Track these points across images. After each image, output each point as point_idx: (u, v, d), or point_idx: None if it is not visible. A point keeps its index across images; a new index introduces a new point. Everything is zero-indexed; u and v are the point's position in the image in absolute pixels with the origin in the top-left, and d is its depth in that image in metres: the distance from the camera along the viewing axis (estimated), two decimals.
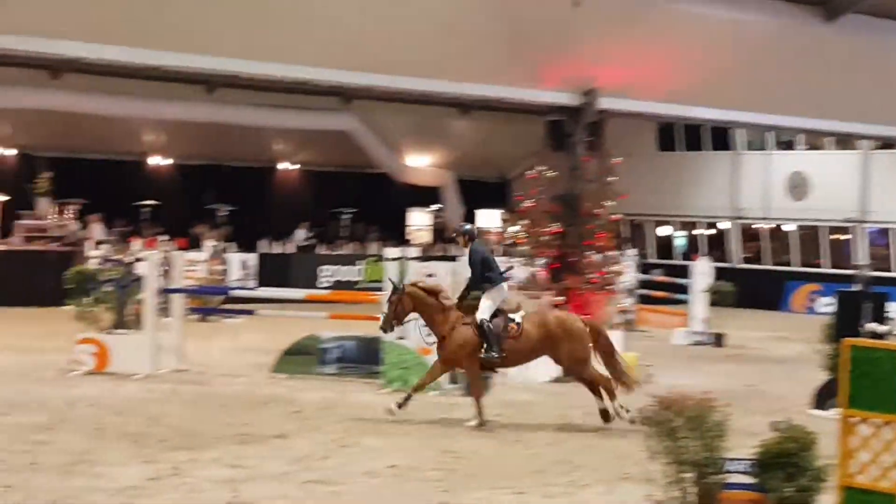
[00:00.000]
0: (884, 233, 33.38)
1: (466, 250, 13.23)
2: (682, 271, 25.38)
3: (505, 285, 13.15)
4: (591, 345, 12.91)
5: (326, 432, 11.93)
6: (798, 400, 14.28)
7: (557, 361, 13.27)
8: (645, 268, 28.47)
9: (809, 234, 34.87)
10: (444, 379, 14.25)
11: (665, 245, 37.42)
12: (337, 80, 25.89)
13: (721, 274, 25.95)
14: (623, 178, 19.37)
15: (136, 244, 23.61)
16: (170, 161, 34.90)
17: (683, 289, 24.24)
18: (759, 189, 35.36)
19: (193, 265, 24.76)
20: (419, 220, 38.75)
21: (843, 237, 34.18)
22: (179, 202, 33.18)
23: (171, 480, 9.52)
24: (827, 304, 27.22)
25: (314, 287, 29.57)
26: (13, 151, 32.47)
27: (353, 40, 20.87)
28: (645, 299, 26.16)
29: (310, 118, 32.44)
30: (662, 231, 37.77)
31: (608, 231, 18.82)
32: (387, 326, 13.10)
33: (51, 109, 28.43)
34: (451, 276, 14.84)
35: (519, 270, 17.55)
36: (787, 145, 35.26)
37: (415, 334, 14.54)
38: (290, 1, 18.84)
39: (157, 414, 12.75)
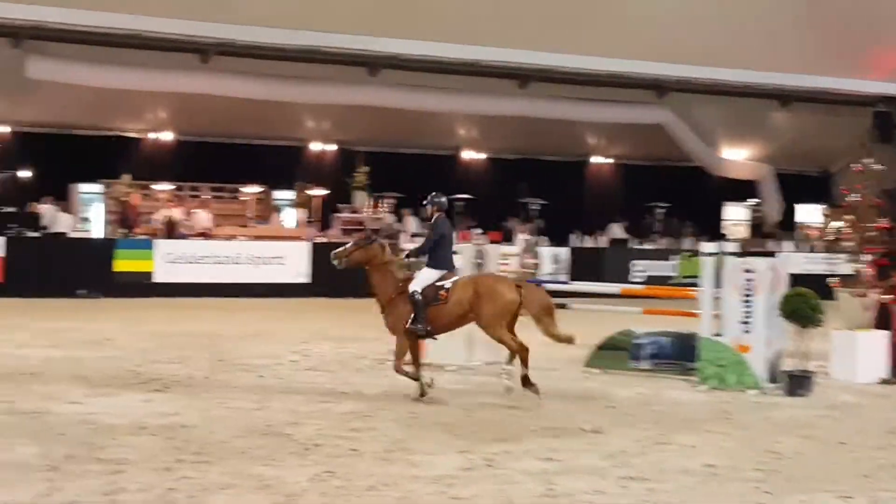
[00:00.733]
0: None
1: (432, 220, 13.67)
2: None
3: (446, 273, 13.34)
4: (511, 306, 13.10)
5: (641, 428, 11.63)
6: None
7: (477, 321, 13.31)
8: None
9: None
10: (762, 377, 13.81)
11: None
12: (654, 72, 25.55)
13: None
14: None
15: None
16: (483, 155, 35.34)
17: None
18: None
19: (506, 259, 24.88)
20: (735, 215, 37.72)
21: None
22: (492, 196, 33.50)
23: (485, 471, 9.47)
24: None
25: (626, 282, 29.22)
26: (333, 146, 33.66)
27: (669, 33, 20.47)
28: None
29: (624, 111, 32.07)
30: None
31: None
32: (338, 258, 13.89)
33: (368, 105, 29.23)
34: (770, 273, 14.29)
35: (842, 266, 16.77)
36: None
37: (731, 332, 14.12)
38: None
39: (470, 405, 12.77)
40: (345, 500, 8.42)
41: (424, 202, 13.99)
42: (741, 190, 36.58)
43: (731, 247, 15.16)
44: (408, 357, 13.31)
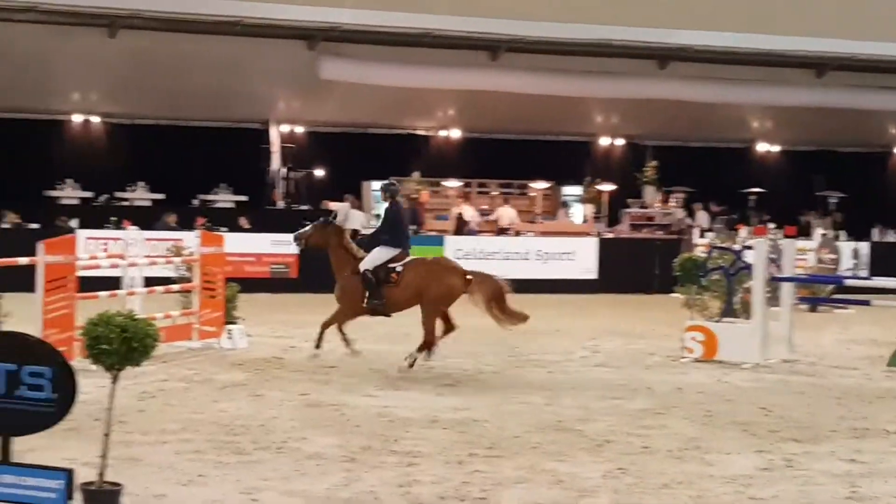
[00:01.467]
0: None
1: (386, 204, 14.71)
2: None
3: (401, 251, 14.26)
4: (454, 293, 14.05)
5: None
6: None
7: (420, 303, 14.09)
8: None
9: None
10: None
11: None
12: None
13: None
14: None
15: (744, 232, 23.33)
16: (777, 147, 34.28)
17: None
18: None
19: (803, 254, 24.07)
20: None
21: None
22: (787, 189, 32.46)
23: (784, 472, 9.10)
24: None
25: None
26: (621, 141, 33.35)
27: None
28: None
29: None
30: None
31: None
32: (299, 240, 15.18)
33: (657, 98, 28.79)
34: None
35: None
36: None
37: None
38: None
39: (766, 404, 12.33)
40: (638, 497, 8.25)
41: (380, 188, 15.16)
42: None
43: None
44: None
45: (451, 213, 29.16)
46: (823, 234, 26.43)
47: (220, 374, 13.53)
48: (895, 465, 9.37)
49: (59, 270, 13.32)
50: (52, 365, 6.90)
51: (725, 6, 24.79)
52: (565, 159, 31.94)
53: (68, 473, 6.90)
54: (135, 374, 8.13)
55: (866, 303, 18.10)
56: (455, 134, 32.12)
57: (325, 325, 14.60)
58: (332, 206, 28.23)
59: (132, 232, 17.31)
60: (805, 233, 26.94)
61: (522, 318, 14.32)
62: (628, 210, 30.68)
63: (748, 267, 15.92)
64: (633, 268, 27.06)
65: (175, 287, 15.95)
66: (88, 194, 28.72)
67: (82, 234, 22.27)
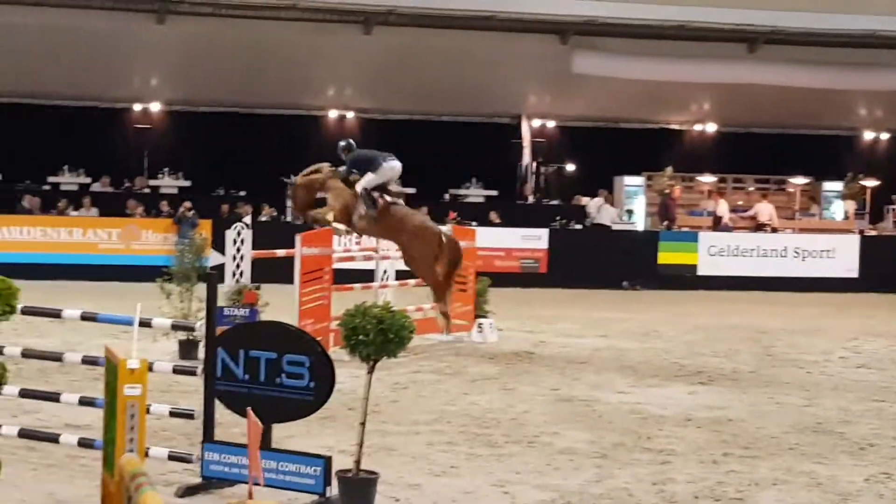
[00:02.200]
0: None
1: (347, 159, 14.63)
2: None
3: (392, 164, 14.56)
4: (424, 251, 13.98)
5: None
6: None
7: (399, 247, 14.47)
8: None
9: None
10: None
11: None
12: None
13: None
14: None
15: None
16: None
17: None
18: None
19: None
20: None
21: None
22: None
23: None
24: None
25: None
26: (886, 135, 32.04)
27: None
28: None
29: None
30: None
31: None
32: (297, 214, 15.49)
33: None
34: None
35: None
36: None
37: None
38: None
39: None
40: None
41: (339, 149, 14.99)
42: None
43: None
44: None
45: (707, 208, 28.59)
46: None
47: (471, 366, 13.58)
48: None
49: (316, 262, 13.65)
50: (311, 354, 7.02)
51: None
52: (825, 154, 30.88)
53: (326, 461, 7.00)
54: (388, 366, 8.22)
55: None
56: (710, 128, 31.47)
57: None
58: (584, 200, 28.18)
59: None
60: None
61: (449, 300, 14.26)
62: (894, 206, 29.45)
63: None
64: None
65: None
66: None
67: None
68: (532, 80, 28.56)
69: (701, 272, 26.19)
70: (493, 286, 16.52)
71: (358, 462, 7.15)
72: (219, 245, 14.66)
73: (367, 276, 15.83)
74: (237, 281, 13.41)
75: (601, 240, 26.65)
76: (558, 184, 30.39)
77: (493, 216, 26.89)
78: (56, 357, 8.62)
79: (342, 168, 14.67)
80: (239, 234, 13.61)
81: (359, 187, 14.33)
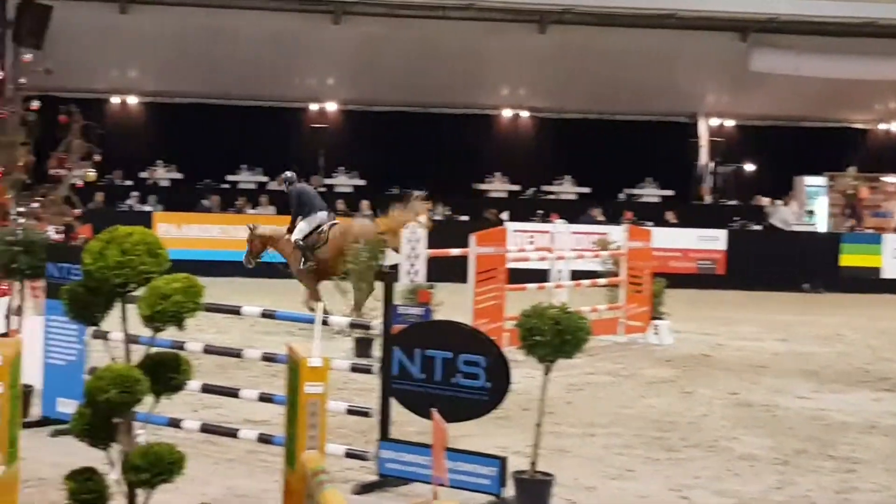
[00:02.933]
0: None
1: (288, 193, 16.52)
2: None
3: (321, 214, 16.14)
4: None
5: None
6: None
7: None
8: None
9: None
10: None
11: None
12: None
13: None
14: None
15: None
16: None
17: None
18: None
19: None
20: None
21: None
22: None
23: None
24: None
25: None
26: None
27: None
28: None
29: None
30: None
31: None
32: (247, 262, 16.72)
33: None
34: None
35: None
36: None
37: None
38: None
39: None
40: None
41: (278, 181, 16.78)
42: None
43: None
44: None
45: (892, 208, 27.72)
46: None
47: (647, 369, 13.37)
48: None
49: (490, 262, 13.59)
50: (487, 354, 6.97)
51: None
52: None
53: (502, 461, 6.95)
54: (563, 367, 8.08)
55: None
56: None
57: (307, 305, 15.31)
58: (764, 201, 27.56)
59: (559, 225, 17.46)
60: None
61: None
62: None
63: None
64: None
65: (601, 281, 15.94)
66: (516, 187, 29.40)
67: (510, 227, 22.78)
68: (709, 79, 28.08)
69: (885, 275, 25.36)
70: (670, 287, 16.25)
71: (533, 463, 7.08)
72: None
73: (540, 277, 15.72)
74: (412, 280, 13.47)
75: (781, 241, 26.02)
76: (736, 184, 29.77)
77: (670, 216, 26.52)
78: (236, 353, 8.77)
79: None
80: (414, 232, 13.67)
81: (293, 237, 16.01)
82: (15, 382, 4.88)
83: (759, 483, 8.12)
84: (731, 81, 27.80)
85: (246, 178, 28.65)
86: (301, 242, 16.01)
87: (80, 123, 11.43)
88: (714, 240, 25.56)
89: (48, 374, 8.95)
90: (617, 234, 16.98)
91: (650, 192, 29.33)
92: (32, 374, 8.56)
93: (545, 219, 24.35)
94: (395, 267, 13.28)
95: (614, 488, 7.87)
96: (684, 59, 26.24)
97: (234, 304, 8.48)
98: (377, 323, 7.71)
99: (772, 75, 26.26)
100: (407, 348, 7.24)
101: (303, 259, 15.96)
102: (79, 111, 11.47)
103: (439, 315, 10.62)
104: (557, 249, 15.64)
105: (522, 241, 21.40)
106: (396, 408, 7.45)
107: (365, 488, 7.36)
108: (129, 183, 27.45)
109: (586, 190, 29.24)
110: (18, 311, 9.09)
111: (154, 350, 4.58)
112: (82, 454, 5.22)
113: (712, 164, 29.71)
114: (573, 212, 24.98)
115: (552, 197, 28.98)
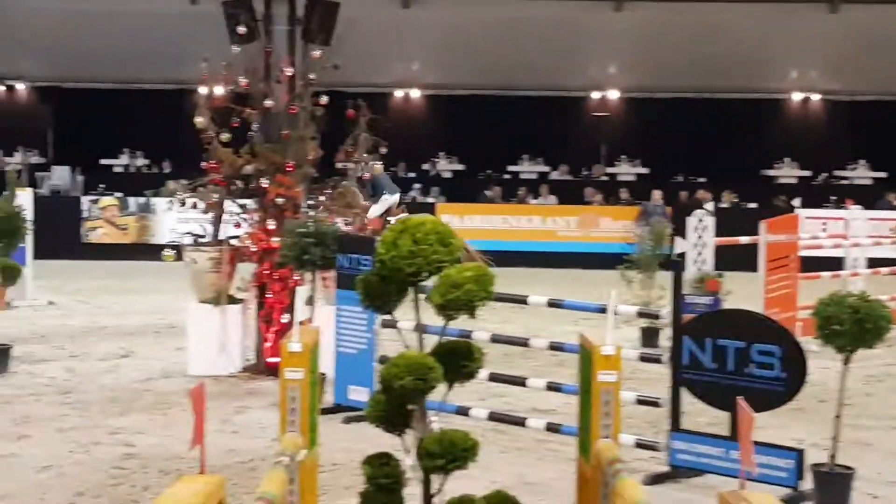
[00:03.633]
0: None
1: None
2: None
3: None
4: None
5: None
6: None
7: None
8: None
9: None
10: None
11: None
12: None
13: None
14: None
15: None
16: None
17: None
18: None
19: None
20: None
21: None
22: None
23: None
24: None
25: None
26: None
27: None
28: None
29: None
30: None
31: None
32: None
33: None
34: None
35: None
36: None
37: None
38: None
39: None
40: None
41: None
42: None
43: None
44: None
45: None
46: None
47: None
48: None
49: (781, 250, 13.18)
50: (781, 344, 6.74)
51: None
52: None
53: (799, 454, 6.71)
54: (861, 357, 7.71)
55: None
56: None
57: None
58: None
59: (854, 211, 16.75)
60: None
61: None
62: None
63: None
64: None
65: None
66: (807, 173, 28.53)
67: (801, 214, 22.08)
68: None
69: None
70: None
71: (833, 456, 6.81)
72: (679, 232, 14.52)
73: (834, 265, 15.11)
74: (699, 269, 13.20)
75: None
76: None
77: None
78: (523, 343, 8.78)
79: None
80: (700, 220, 13.40)
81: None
82: (314, 369, 5.02)
83: None
84: None
85: (527, 169, 28.86)
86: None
87: (367, 117, 11.71)
88: None
89: (339, 362, 9.22)
90: None
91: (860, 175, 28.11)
92: (325, 362, 8.83)
93: (839, 205, 23.47)
94: (682, 256, 13.04)
95: None
96: None
97: (519, 293, 8.49)
98: (665, 312, 7.57)
99: None
100: (697, 338, 7.07)
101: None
102: (365, 105, 11.76)
103: (728, 304, 10.34)
104: (853, 236, 15.01)
105: (815, 228, 20.69)
106: (686, 398, 7.29)
107: (656, 479, 7.25)
108: (412, 175, 28.11)
109: (882, 174, 28.05)
110: (311, 301, 9.38)
111: (446, 338, 4.61)
112: (374, 440, 5.32)
113: None
114: (869, 197, 24.02)
115: (845, 182, 27.97)
